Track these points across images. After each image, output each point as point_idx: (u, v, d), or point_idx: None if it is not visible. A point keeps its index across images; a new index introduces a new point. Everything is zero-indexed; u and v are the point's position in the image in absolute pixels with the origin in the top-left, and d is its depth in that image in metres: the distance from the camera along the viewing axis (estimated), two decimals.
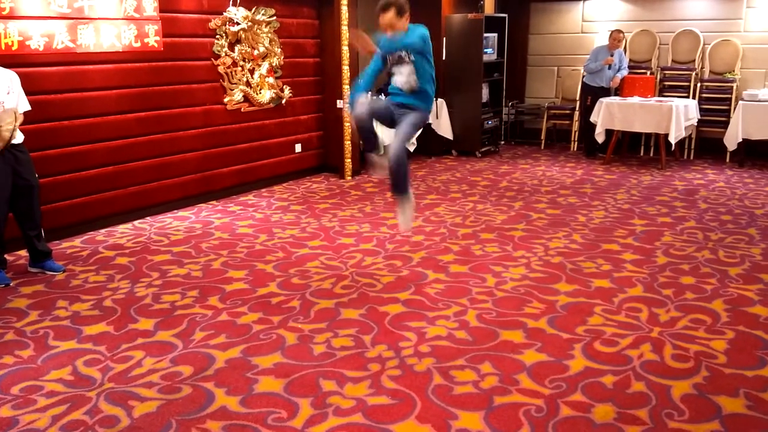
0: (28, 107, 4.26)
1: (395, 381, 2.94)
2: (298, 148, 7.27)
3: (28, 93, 4.32)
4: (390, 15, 3.78)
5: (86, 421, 2.66)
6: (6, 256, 4.48)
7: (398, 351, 3.22)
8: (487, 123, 8.77)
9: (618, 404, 2.75)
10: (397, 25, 3.80)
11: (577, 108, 9.03)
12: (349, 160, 7.34)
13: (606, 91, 8.30)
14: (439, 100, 8.42)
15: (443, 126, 8.53)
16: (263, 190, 6.84)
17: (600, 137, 8.08)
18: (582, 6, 9.36)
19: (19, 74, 4.26)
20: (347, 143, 7.29)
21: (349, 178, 7.37)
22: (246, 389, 2.89)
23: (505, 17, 8.91)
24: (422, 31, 3.84)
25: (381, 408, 2.75)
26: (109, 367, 3.09)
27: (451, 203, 6.22)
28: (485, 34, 8.41)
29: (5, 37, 4.55)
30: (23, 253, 4.63)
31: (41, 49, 4.77)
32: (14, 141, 4.07)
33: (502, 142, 9.51)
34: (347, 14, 6.98)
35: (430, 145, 8.50)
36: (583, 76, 8.57)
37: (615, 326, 3.49)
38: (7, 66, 4.21)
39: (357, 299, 3.90)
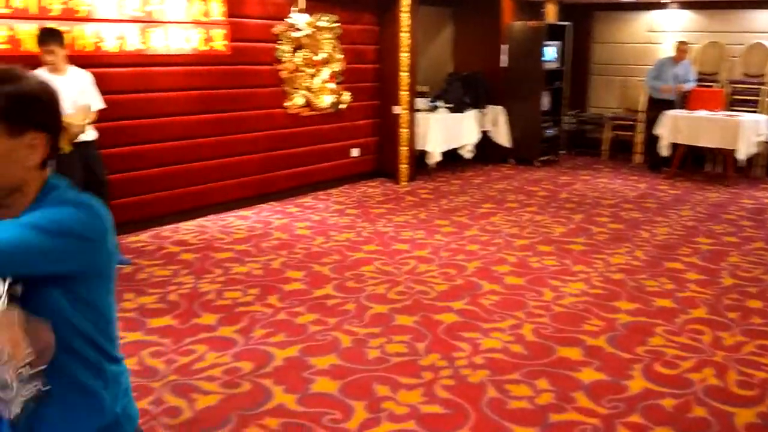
0: (103, 105, 4.44)
1: (449, 391, 2.94)
2: (354, 152, 7.34)
3: (101, 93, 4.50)
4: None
5: (150, 410, 2.76)
6: None
7: (452, 361, 3.22)
8: (547, 132, 8.65)
9: (678, 429, 2.68)
10: None
11: (641, 119, 8.81)
12: (405, 165, 7.37)
13: (671, 104, 8.08)
14: (498, 107, 8.36)
15: (501, 134, 8.46)
16: (320, 192, 6.93)
17: (664, 150, 7.87)
18: (648, 16, 9.13)
19: (93, 74, 4.45)
20: (403, 149, 7.31)
21: (405, 183, 7.39)
22: (303, 388, 2.95)
23: (567, 25, 8.78)
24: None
25: (434, 417, 2.76)
26: (173, 360, 3.20)
27: (508, 213, 6.16)
28: (547, 42, 8.30)
29: (81, 39, 4.76)
30: None
31: (114, 51, 4.97)
32: (87, 138, 4.24)
33: (562, 152, 9.34)
34: (407, 21, 7.02)
35: (487, 152, 8.45)
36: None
37: (677, 348, 3.40)
38: (82, 66, 4.41)
39: (411, 306, 3.92)
